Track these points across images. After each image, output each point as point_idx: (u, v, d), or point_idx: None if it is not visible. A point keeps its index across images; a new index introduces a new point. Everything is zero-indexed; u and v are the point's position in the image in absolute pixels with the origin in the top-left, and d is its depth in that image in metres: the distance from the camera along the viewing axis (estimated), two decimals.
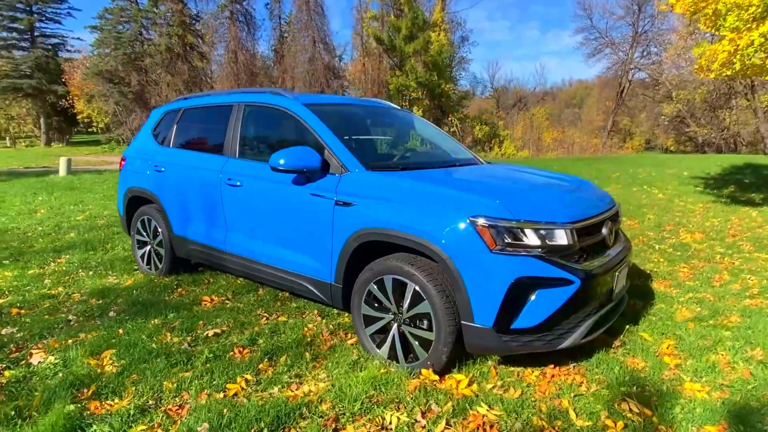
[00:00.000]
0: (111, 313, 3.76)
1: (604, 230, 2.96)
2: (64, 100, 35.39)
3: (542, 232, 2.59)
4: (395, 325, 2.90)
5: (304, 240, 3.31)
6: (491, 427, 2.34)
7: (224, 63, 31.98)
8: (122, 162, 5.01)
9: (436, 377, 2.76)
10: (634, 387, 2.66)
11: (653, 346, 3.18)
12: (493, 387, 2.70)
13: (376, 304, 2.96)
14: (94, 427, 2.32)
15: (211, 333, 3.35)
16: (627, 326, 3.41)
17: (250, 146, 3.86)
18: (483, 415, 2.40)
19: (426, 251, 2.69)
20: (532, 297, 2.56)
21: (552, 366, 2.92)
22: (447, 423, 2.35)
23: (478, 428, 2.32)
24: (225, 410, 2.41)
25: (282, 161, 3.11)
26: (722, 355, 3.03)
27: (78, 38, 46.61)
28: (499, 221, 2.55)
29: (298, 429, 2.32)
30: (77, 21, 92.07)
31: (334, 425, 2.35)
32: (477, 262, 2.55)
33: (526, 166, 4.21)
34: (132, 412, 2.43)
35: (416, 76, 29.09)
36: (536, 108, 36.10)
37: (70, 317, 3.67)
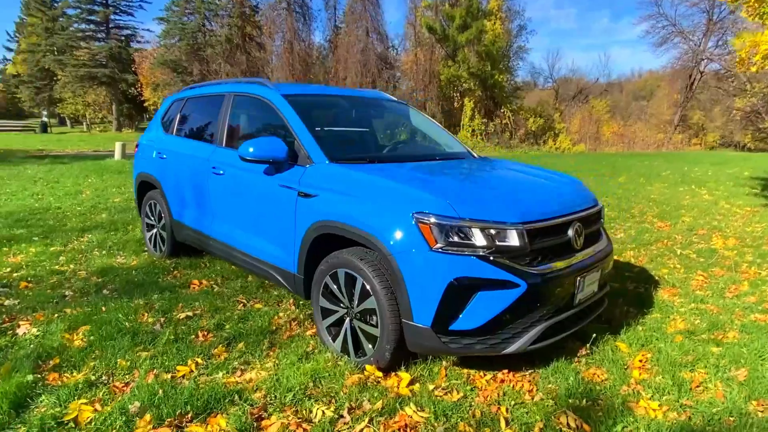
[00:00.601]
0: (104, 291, 3.99)
1: (570, 232, 2.78)
2: (133, 89, 37.60)
3: (490, 231, 2.48)
4: (348, 319, 2.88)
5: (272, 229, 3.35)
6: (413, 429, 2.28)
7: (280, 53, 32.72)
8: (136, 148, 5.27)
9: (380, 374, 2.72)
10: (584, 400, 2.50)
11: (626, 357, 2.97)
12: (436, 388, 2.63)
13: (331, 297, 2.95)
14: (43, 397, 2.47)
15: (183, 315, 3.48)
16: (605, 334, 3.21)
17: (235, 136, 3.94)
18: (409, 416, 2.35)
19: (372, 246, 2.65)
20: (473, 299, 2.46)
21: (506, 371, 2.80)
22: (370, 421, 2.31)
23: (399, 429, 2.27)
24: (160, 391, 2.49)
25: (250, 150, 3.15)
26: (700, 372, 2.78)
27: (148, 29, 49.05)
28: (443, 219, 2.46)
29: (225, 415, 2.36)
30: (147, 13, 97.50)
31: (259, 414, 2.37)
32: (416, 259, 2.48)
33: (533, 165, 4.02)
34: (81, 386, 2.57)
35: (468, 66, 28.51)
36: (597, 100, 34.35)
37: (68, 293, 3.93)
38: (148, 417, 2.31)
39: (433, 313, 2.46)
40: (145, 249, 5.20)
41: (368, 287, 2.67)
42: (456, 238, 2.45)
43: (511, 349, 2.54)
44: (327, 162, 3.07)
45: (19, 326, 3.29)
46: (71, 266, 4.63)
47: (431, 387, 2.63)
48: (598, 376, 2.75)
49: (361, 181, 2.86)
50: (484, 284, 2.44)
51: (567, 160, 17.00)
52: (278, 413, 2.38)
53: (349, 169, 2.99)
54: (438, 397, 2.53)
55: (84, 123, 42.32)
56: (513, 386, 2.66)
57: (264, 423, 2.30)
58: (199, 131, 4.41)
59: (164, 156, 4.61)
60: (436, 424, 2.31)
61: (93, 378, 2.67)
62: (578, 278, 2.73)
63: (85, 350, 2.95)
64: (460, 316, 2.47)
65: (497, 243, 2.48)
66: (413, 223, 2.49)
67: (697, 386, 2.66)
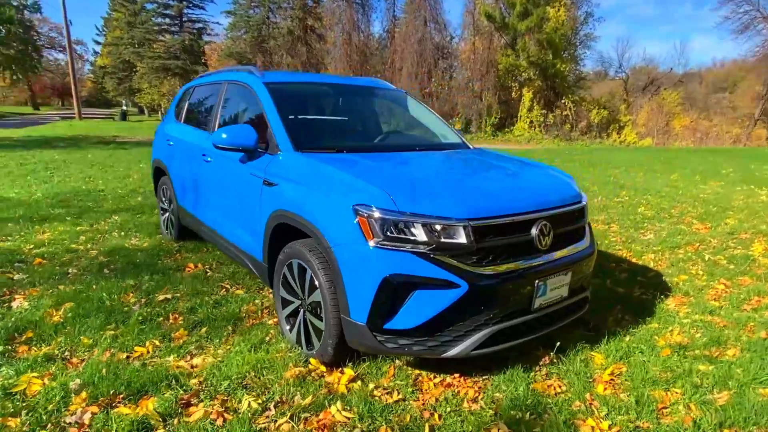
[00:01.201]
0: (105, 270, 4.19)
1: (534, 231, 2.56)
2: None
3: (433, 227, 2.33)
4: (302, 311, 2.85)
5: (244, 217, 3.37)
6: (332, 428, 2.21)
7: (339, 44, 33.04)
8: (155, 135, 5.49)
9: (324, 369, 2.66)
10: (527, 413, 2.32)
11: (597, 370, 2.73)
12: (377, 387, 2.54)
13: (289, 288, 2.93)
14: (3, 368, 2.63)
15: (163, 297, 3.59)
16: (580, 343, 2.96)
17: (224, 123, 3.99)
18: (332, 415, 2.28)
19: (315, 237, 2.59)
20: (410, 297, 2.33)
21: (457, 375, 2.65)
22: (291, 417, 2.26)
23: (320, 428, 2.21)
24: (104, 370, 2.58)
25: (223, 137, 3.16)
26: (674, 392, 2.50)
27: (217, 23, 51.26)
28: (382, 212, 2.34)
29: (158, 397, 2.40)
30: (217, 6, 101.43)
31: (189, 400, 2.39)
32: (353, 253, 2.39)
33: (531, 160, 3.78)
34: (40, 360, 2.71)
35: (528, 55, 27.43)
36: (669, 92, 31.91)
37: (72, 271, 4.17)
38: (84, 394, 2.39)
39: (367, 309, 2.36)
40: (160, 232, 5.43)
41: (315, 280, 2.61)
42: (395, 233, 2.33)
43: (452, 353, 2.39)
44: (292, 151, 3.02)
45: (14, 299, 3.53)
46: (87, 245, 4.91)
47: (372, 386, 2.54)
48: (555, 388, 2.54)
49: (314, 170, 2.80)
50: (421, 283, 2.31)
51: (621, 155, 15.95)
52: (207, 401, 2.39)
53: (309, 158, 2.93)
54: (374, 398, 2.44)
55: (159, 112, 44.97)
56: (458, 392, 2.51)
57: (190, 410, 2.32)
58: (197, 119, 4.52)
59: (171, 143, 4.77)
60: (359, 425, 2.22)
61: (56, 353, 2.81)
62: (537, 281, 2.52)
63: (60, 326, 3.11)
64: (397, 314, 2.36)
65: (441, 240, 2.34)
66: (353, 215, 2.40)
67: (665, 407, 2.38)
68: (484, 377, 2.64)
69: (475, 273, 2.33)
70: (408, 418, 2.28)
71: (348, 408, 2.34)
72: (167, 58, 40.70)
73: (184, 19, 42.81)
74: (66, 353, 2.83)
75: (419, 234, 2.33)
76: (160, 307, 3.44)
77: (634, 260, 4.78)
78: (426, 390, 2.54)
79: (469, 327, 2.40)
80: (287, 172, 2.93)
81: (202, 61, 39.54)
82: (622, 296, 3.83)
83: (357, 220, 2.37)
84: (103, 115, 41.23)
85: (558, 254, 2.66)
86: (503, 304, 2.45)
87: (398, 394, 2.49)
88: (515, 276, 2.44)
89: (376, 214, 2.34)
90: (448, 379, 2.62)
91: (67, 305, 3.40)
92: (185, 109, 4.85)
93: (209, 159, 3.84)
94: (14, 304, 3.47)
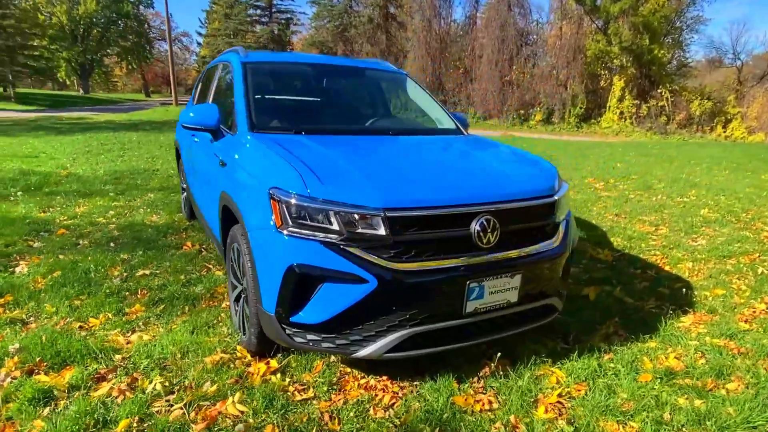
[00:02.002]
0: (111, 244, 4.40)
1: (475, 226, 2.25)
2: None
3: (346, 216, 2.11)
4: (243, 296, 2.76)
5: (210, 197, 3.34)
6: (217, 420, 2.09)
7: (418, 32, 32.60)
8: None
9: (249, 357, 2.56)
10: (435, 429, 2.05)
11: (547, 389, 2.36)
12: (294, 382, 2.38)
13: (234, 272, 2.85)
14: None
15: (141, 273, 3.68)
16: (541, 356, 2.59)
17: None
18: (226, 407, 2.16)
19: (240, 220, 2.47)
20: (318, 290, 2.14)
21: (385, 378, 2.43)
22: (186, 405, 2.18)
23: (208, 418, 2.10)
24: (44, 336, 2.66)
25: (190, 115, 3.13)
26: (630, 427, 2.09)
27: (303, 12, 52.70)
28: (294, 197, 2.16)
29: (78, 369, 2.42)
30: None
31: (104, 375, 2.39)
32: (264, 239, 2.24)
33: (514, 147, 3.38)
34: (2, 322, 2.87)
35: (621, 40, 25.23)
36: None
37: (82, 242, 4.42)
38: (16, 359, 2.48)
39: (275, 300, 2.21)
40: (181, 211, 5.63)
41: (245, 266, 2.50)
42: (307, 220, 2.15)
43: (363, 353, 2.17)
44: (247, 131, 2.92)
45: (19, 265, 3.80)
46: (111, 220, 5.19)
47: (288, 381, 2.39)
48: (483, 404, 2.22)
49: (254, 151, 2.67)
50: (329, 276, 2.11)
51: (712, 150, 14.10)
52: (121, 377, 2.37)
53: (257, 138, 2.80)
54: (285, 393, 2.29)
55: None
56: (375, 396, 2.29)
57: (99, 385, 2.32)
58: (200, 100, 4.57)
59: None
60: (249, 421, 2.09)
61: (22, 317, 2.96)
62: (470, 282, 2.21)
63: (36, 293, 3.28)
64: (304, 308, 2.18)
65: (355, 230, 2.11)
66: (267, 200, 2.24)
67: None
68: (415, 382, 2.39)
69: (387, 268, 2.08)
70: (304, 419, 2.11)
71: (248, 401, 2.21)
72: (256, 48, 42.69)
73: (274, 9, 44.65)
74: (30, 318, 2.98)
75: (332, 223, 2.12)
76: (135, 281, 3.53)
77: (666, 268, 4.16)
78: (347, 390, 2.35)
79: (380, 327, 2.16)
80: (235, 152, 2.84)
81: (289, 50, 40.98)
82: (628, 307, 3.33)
83: (271, 204, 2.22)
84: None
85: (505, 254, 2.32)
86: (422, 305, 2.17)
87: (312, 391, 2.32)
88: (437, 275, 2.16)
89: (288, 199, 2.17)
90: (373, 381, 2.40)
91: (55, 274, 3.59)
92: (198, 92, 4.95)
93: (196, 139, 3.86)
94: (17, 269, 3.73)
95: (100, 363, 2.49)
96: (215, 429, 2.04)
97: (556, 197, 2.58)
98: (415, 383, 2.39)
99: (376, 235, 2.12)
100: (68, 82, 63.43)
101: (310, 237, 2.13)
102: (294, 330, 2.22)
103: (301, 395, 2.29)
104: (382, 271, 2.08)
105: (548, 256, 2.47)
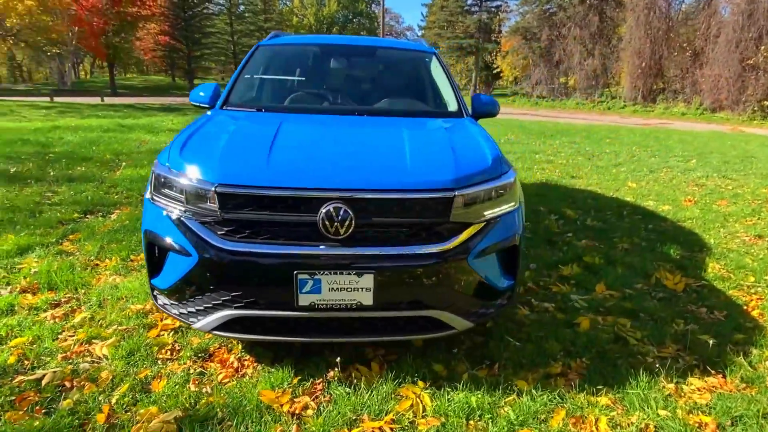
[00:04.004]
0: (112, 216, 4.74)
1: (323, 211, 2.03)
2: (489, 56, 40.44)
3: (188, 188, 2.15)
4: None
5: None
6: (83, 356, 2.37)
7: (638, 10, 28.55)
8: None
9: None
10: (219, 411, 1.96)
11: (381, 414, 2.02)
12: (174, 342, 2.53)
13: None
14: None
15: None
16: (426, 380, 2.21)
17: None
18: (95, 348, 2.43)
19: None
20: (168, 257, 2.24)
21: (250, 358, 2.39)
22: (82, 338, 2.52)
23: (74, 354, 2.39)
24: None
25: (200, 94, 3.47)
26: None
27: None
28: (158, 167, 2.33)
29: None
30: None
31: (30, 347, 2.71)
32: (145, 202, 2.43)
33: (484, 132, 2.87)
34: (55, 250, 3.70)
35: None
36: None
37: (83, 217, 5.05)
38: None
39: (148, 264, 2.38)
40: None
41: None
42: (164, 189, 2.26)
43: (197, 326, 2.18)
44: (217, 107, 3.15)
45: (114, 213, 4.77)
46: (123, 197, 5.45)
47: (171, 341, 2.55)
48: (292, 409, 2.02)
49: (192, 125, 2.85)
50: (167, 244, 2.19)
51: None
52: (50, 361, 2.86)
53: (211, 114, 2.99)
54: (150, 349, 2.44)
55: None
56: (214, 372, 2.29)
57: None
58: None
59: None
60: (101, 363, 2.32)
61: (71, 251, 3.76)
62: (298, 273, 2.01)
63: (102, 234, 4.09)
64: (160, 272, 2.30)
65: (196, 204, 2.14)
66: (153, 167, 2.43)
67: None
68: (262, 366, 2.31)
69: (210, 245, 2.06)
70: (124, 400, 2.14)
71: (116, 348, 2.43)
72: (463, 37, 43.08)
73: None
74: (76, 253, 3.75)
75: (179, 194, 2.19)
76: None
77: (754, 314, 3.01)
78: (210, 360, 2.40)
79: (208, 303, 2.14)
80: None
81: (493, 38, 40.32)
82: (621, 349, 2.56)
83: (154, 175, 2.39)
84: None
85: (355, 251, 2.04)
86: (247, 288, 2.07)
87: (179, 354, 2.43)
88: (261, 259, 2.03)
89: (155, 169, 2.34)
90: (244, 368, 2.36)
91: (125, 222, 4.41)
92: None
93: None
94: (113, 216, 4.71)
95: (29, 328, 3.03)
96: (74, 360, 2.32)
97: (455, 194, 2.13)
98: (262, 368, 2.30)
99: (210, 210, 2.10)
100: None
101: (161, 205, 2.24)
102: (155, 293, 2.36)
103: (165, 355, 2.42)
104: (205, 247, 2.06)
105: (425, 262, 2.08)
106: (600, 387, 2.22)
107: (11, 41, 33.50)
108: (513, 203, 2.39)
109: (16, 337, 2.53)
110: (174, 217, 2.16)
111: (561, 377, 2.32)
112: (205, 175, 2.12)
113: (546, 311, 3.00)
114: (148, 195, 2.35)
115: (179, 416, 1.94)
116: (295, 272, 2.01)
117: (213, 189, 2.07)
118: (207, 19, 45.78)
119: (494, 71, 41.02)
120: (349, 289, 2.05)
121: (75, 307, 2.87)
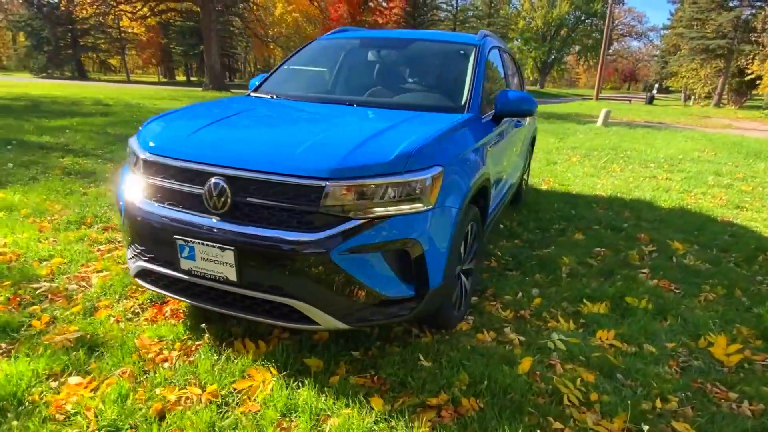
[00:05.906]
0: None
1: (206, 186, 2.19)
2: (744, 60, 33.28)
3: (131, 153, 2.57)
4: None
5: None
6: (52, 311, 2.99)
7: None
8: None
9: None
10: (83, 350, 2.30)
11: (213, 382, 2.08)
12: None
13: None
14: None
15: None
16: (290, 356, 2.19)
17: None
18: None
19: None
20: None
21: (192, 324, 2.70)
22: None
23: (50, 303, 3.03)
24: None
25: (255, 83, 3.95)
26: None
27: None
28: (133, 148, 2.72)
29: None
30: None
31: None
32: None
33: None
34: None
35: None
36: None
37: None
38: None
39: None
40: None
41: None
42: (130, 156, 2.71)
43: (130, 270, 2.57)
44: (249, 93, 3.55)
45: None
46: None
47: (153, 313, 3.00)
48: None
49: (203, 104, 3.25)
50: (117, 200, 2.64)
51: None
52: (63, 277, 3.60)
53: (229, 98, 3.39)
54: (108, 305, 2.82)
55: (692, 99, 41.49)
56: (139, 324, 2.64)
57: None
58: None
59: None
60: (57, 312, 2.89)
61: None
62: (177, 238, 2.20)
63: None
64: None
65: (132, 169, 2.53)
66: None
67: None
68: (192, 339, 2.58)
69: (129, 202, 2.42)
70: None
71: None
72: (712, 37, 36.34)
73: None
74: None
75: (132, 159, 2.59)
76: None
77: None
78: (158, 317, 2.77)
79: (131, 253, 2.51)
80: None
81: (753, 38, 32.97)
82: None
83: None
84: (620, 98, 44.07)
85: (222, 226, 2.15)
86: (146, 243, 2.38)
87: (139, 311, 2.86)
88: (153, 218, 2.29)
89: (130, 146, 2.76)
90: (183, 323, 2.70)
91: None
92: None
93: None
94: None
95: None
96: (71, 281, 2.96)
97: (326, 184, 2.05)
98: (175, 321, 2.57)
99: (140, 174, 2.46)
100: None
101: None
102: None
103: (137, 293, 2.88)
104: (126, 202, 2.44)
105: (283, 248, 2.07)
106: None
107: (272, 46, 40.99)
108: (421, 205, 2.16)
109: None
110: (129, 173, 2.58)
111: (432, 410, 2.02)
112: (142, 144, 2.48)
113: (509, 343, 2.58)
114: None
115: (77, 338, 2.35)
116: (174, 236, 2.22)
117: (141, 156, 2.42)
118: (434, 25, 48.23)
119: (749, 78, 33.40)
120: (216, 262, 2.17)
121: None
